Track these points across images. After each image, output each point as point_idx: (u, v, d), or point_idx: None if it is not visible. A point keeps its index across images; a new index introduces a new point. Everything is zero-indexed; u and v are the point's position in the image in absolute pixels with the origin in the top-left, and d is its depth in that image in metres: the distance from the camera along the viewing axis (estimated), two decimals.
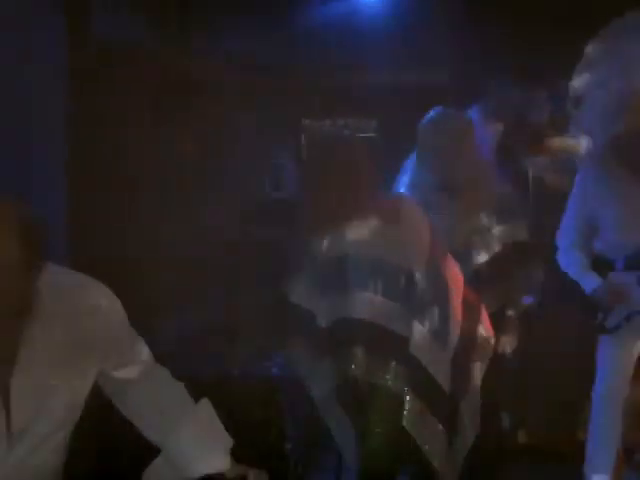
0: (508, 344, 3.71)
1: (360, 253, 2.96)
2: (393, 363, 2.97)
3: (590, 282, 3.55)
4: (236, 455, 2.13)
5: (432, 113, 3.46)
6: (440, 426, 3.03)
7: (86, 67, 3.63)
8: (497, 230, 3.54)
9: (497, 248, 3.54)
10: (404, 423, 2.95)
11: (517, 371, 4.24)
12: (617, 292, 3.47)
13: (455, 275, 3.16)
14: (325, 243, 3.01)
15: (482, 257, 3.51)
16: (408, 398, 2.97)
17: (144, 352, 2.03)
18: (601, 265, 3.56)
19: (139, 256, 3.77)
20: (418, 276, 2.97)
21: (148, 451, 2.01)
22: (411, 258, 2.99)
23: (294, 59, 4.47)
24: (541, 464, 4.21)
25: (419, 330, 2.98)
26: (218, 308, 4.26)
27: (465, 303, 3.16)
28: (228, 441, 2.04)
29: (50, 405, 1.79)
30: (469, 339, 3.17)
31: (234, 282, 4.29)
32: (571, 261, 3.64)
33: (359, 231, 2.97)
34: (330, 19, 4.49)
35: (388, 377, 2.97)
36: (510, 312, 3.73)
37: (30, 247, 1.62)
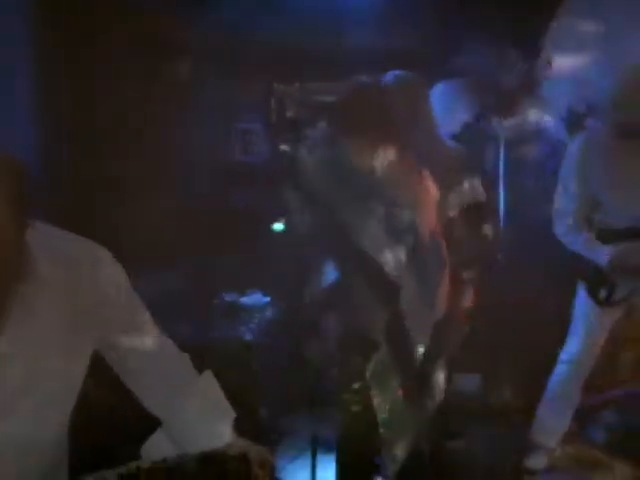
0: (465, 307, 3.75)
1: (382, 188, 3.03)
2: (379, 312, 3.00)
3: (602, 255, 3.51)
4: None
5: (387, 76, 3.46)
6: (399, 391, 3.06)
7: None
8: (455, 190, 3.54)
9: (455, 210, 3.54)
10: (367, 373, 2.98)
11: (484, 333, 4.30)
12: (633, 260, 3.47)
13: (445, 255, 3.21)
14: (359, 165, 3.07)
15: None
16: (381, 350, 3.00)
17: (147, 320, 1.93)
18: (604, 236, 3.56)
19: (114, 223, 3.72)
20: (423, 235, 3.04)
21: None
22: (422, 217, 3.09)
23: (263, 23, 4.40)
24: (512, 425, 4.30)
25: (412, 285, 3.02)
26: (196, 273, 4.23)
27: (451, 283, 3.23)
28: (230, 414, 1.96)
29: (41, 377, 1.70)
30: (450, 316, 3.22)
31: (210, 247, 4.26)
32: (578, 239, 3.60)
33: (386, 168, 3.04)
34: None
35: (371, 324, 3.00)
36: (467, 274, 3.75)
37: (19, 202, 1.51)
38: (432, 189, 3.15)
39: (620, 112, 3.47)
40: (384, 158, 3.05)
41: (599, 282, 3.57)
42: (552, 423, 3.83)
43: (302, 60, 4.49)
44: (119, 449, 1.97)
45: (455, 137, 3.89)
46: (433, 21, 4.34)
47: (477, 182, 3.53)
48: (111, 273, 1.82)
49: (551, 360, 3.86)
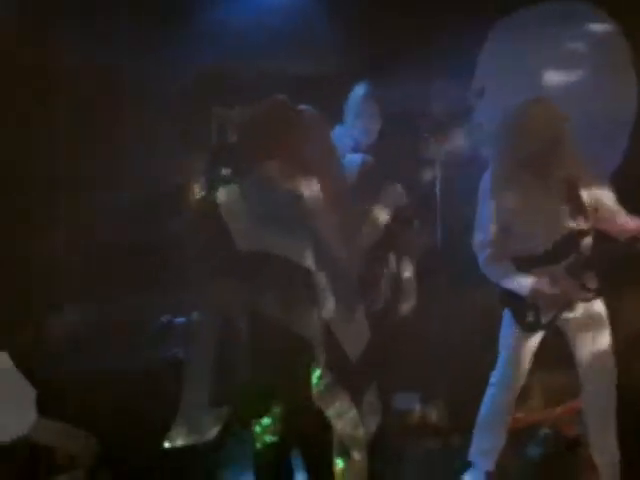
0: (407, 307, 3.82)
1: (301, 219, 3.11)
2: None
3: (524, 284, 3.59)
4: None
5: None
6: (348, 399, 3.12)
7: None
8: (377, 202, 3.62)
9: (379, 227, 3.62)
10: (314, 390, 3.03)
11: (423, 351, 4.37)
12: (553, 288, 3.55)
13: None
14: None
15: (368, 240, 3.57)
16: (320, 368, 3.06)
17: None
18: (521, 265, 3.63)
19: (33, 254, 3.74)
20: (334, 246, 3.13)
21: None
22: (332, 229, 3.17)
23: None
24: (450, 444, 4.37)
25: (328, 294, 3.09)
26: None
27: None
28: (31, 395, 1.87)
29: None
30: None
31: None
32: (497, 270, 3.66)
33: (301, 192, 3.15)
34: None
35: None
36: (407, 274, 3.81)
37: None
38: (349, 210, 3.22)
39: (513, 145, 3.60)
40: (297, 182, 3.12)
41: (524, 308, 3.66)
42: (486, 444, 3.89)
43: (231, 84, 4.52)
44: None
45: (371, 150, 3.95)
46: (366, 47, 4.39)
47: (397, 187, 3.62)
48: None
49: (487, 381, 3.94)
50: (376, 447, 3.38)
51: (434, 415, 4.58)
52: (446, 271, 4.44)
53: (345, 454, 3.19)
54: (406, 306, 3.85)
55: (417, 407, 4.62)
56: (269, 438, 3.14)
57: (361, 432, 3.17)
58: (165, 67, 4.38)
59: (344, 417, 3.12)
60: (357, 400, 3.17)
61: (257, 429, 3.17)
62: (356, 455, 3.17)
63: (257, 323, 3.13)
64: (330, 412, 3.09)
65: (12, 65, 4.13)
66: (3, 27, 4.12)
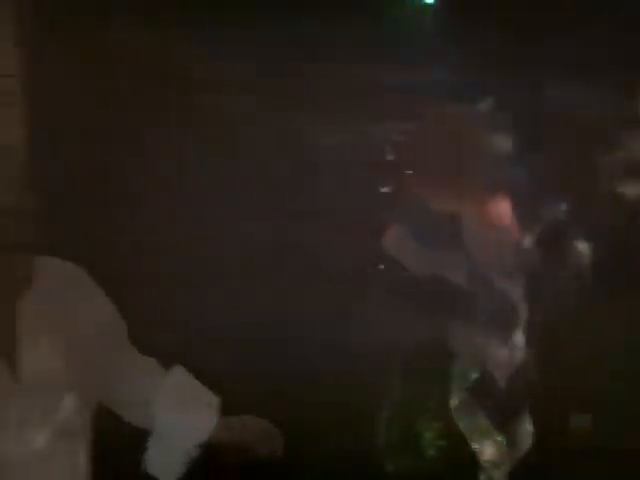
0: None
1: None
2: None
3: None
4: None
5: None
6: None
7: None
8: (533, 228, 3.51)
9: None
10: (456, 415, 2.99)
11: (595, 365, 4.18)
12: None
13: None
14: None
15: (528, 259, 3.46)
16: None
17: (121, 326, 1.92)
18: None
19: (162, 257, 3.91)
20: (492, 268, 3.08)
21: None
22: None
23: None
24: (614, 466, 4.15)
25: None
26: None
27: None
28: (214, 398, 1.95)
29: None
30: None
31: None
32: None
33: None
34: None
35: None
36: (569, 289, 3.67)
37: None
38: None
39: None
40: (454, 201, 3.06)
41: None
42: None
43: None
44: None
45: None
46: (527, 51, 4.24)
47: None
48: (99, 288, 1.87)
49: None
50: (524, 473, 3.29)
51: (607, 437, 4.39)
52: (618, 287, 4.21)
53: None
54: (570, 322, 3.72)
55: (590, 428, 4.46)
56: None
57: (504, 459, 3.09)
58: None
59: (487, 444, 3.05)
60: (503, 426, 3.09)
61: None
62: None
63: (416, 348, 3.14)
64: (473, 438, 3.04)
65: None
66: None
